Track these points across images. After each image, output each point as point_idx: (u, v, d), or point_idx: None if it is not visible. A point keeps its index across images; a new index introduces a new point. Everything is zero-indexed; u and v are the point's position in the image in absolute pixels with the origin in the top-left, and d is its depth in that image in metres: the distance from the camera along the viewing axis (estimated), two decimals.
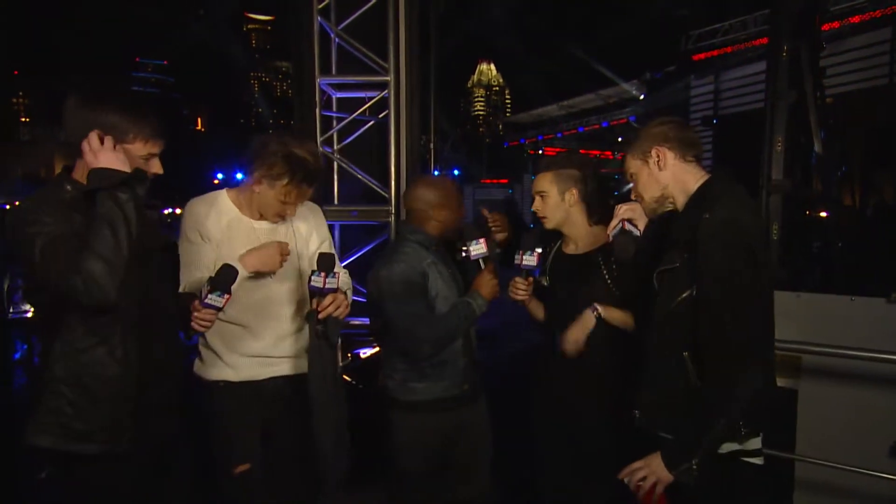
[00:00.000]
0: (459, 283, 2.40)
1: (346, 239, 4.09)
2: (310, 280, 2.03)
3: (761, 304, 1.67)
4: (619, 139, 22.40)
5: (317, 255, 2.09)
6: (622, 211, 2.09)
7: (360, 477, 2.62)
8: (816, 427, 2.62)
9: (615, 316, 2.17)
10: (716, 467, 1.66)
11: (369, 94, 3.88)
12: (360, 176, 3.86)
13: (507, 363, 5.73)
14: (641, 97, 19.90)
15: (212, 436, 2.22)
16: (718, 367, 1.62)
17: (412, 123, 3.73)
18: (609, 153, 24.73)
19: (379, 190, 3.82)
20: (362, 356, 4.05)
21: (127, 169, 1.68)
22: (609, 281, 2.23)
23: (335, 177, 4.07)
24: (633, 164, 1.86)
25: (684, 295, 1.69)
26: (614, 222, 2.09)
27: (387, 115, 3.73)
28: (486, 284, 2.31)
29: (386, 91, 3.71)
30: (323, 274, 2.02)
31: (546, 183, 2.31)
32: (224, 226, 2.18)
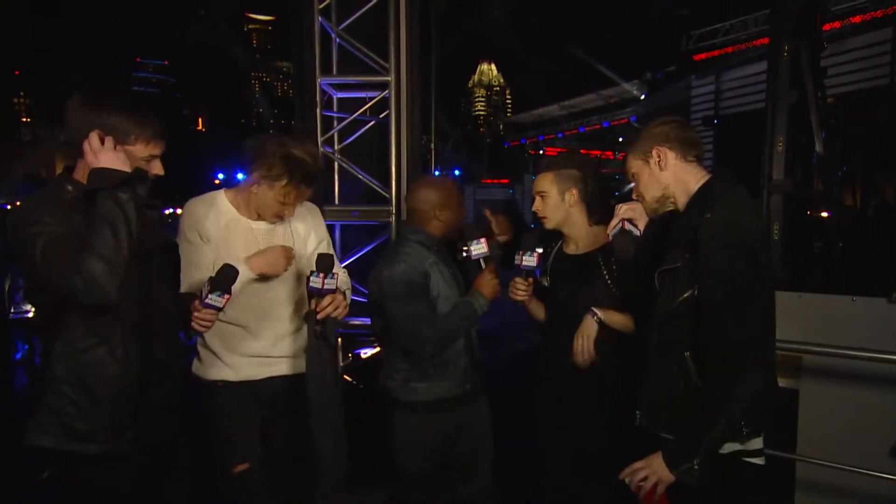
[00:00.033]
0: (461, 283, 2.40)
1: (347, 239, 4.09)
2: (308, 281, 2.04)
3: (762, 304, 1.67)
4: (620, 139, 22.41)
5: (315, 255, 2.10)
6: (622, 210, 2.08)
7: (360, 477, 2.62)
8: (817, 427, 2.62)
9: (615, 319, 2.17)
10: (717, 467, 1.66)
11: (370, 94, 3.88)
12: (360, 176, 3.86)
13: (508, 363, 5.73)
14: (642, 97, 19.88)
15: (211, 435, 2.22)
16: (719, 367, 1.61)
17: (413, 123, 3.73)
18: (610, 153, 24.72)
19: (380, 190, 3.82)
20: (363, 356, 4.06)
21: (127, 169, 1.68)
22: (609, 281, 2.23)
23: (336, 177, 4.07)
24: (635, 164, 1.86)
25: (685, 295, 1.69)
26: (614, 221, 2.09)
27: (387, 116, 3.73)
28: (488, 284, 2.31)
29: (387, 91, 3.71)
30: (322, 275, 2.03)
31: (546, 183, 2.31)
32: (222, 226, 2.18)
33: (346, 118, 3.95)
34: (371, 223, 3.97)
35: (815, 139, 3.90)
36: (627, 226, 2.07)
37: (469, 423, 2.43)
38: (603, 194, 2.36)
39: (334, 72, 3.93)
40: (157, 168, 1.83)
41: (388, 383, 2.39)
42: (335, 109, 4.08)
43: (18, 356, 5.67)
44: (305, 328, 2.14)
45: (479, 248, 2.29)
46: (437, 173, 6.97)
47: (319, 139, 3.77)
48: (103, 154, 1.66)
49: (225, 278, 1.90)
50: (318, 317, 2.07)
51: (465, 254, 2.33)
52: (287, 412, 2.24)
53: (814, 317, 2.61)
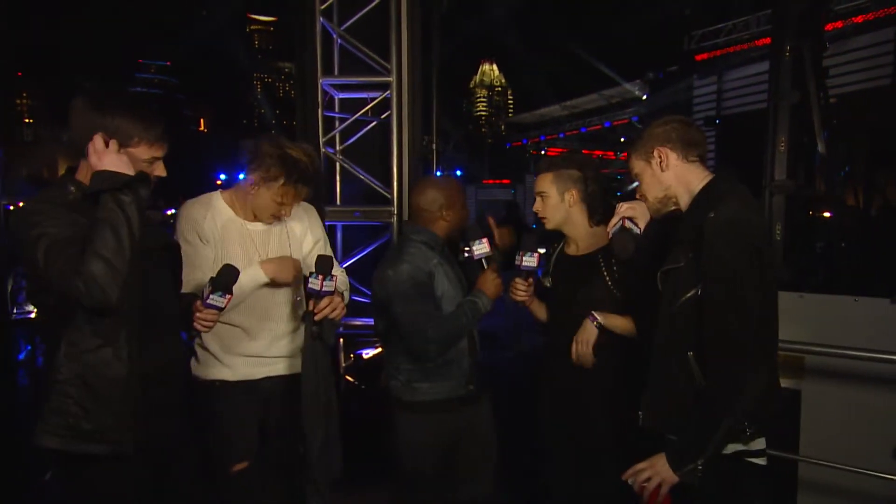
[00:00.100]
0: (464, 283, 2.40)
1: (349, 239, 4.10)
2: (307, 282, 2.05)
3: (765, 305, 1.67)
4: (622, 139, 22.35)
5: (314, 256, 2.11)
6: (623, 209, 2.08)
7: (360, 477, 2.62)
8: (820, 428, 2.61)
9: (616, 323, 2.17)
10: (720, 468, 1.66)
11: (372, 94, 3.88)
12: (362, 176, 3.86)
13: (510, 364, 5.73)
14: (644, 97, 19.84)
15: (210, 435, 2.23)
16: (722, 368, 1.61)
17: (414, 124, 3.74)
18: (612, 153, 24.67)
19: (381, 190, 3.82)
20: (364, 357, 4.06)
21: (130, 172, 1.69)
22: (610, 283, 2.23)
23: (337, 177, 4.08)
24: (637, 165, 1.86)
25: (689, 295, 1.68)
26: (614, 220, 2.09)
27: (389, 116, 3.74)
28: (491, 284, 2.32)
29: (388, 92, 3.71)
30: (321, 276, 2.04)
31: (546, 183, 2.31)
32: (219, 227, 2.20)
33: (348, 119, 3.96)
34: (373, 224, 3.97)
35: (818, 139, 3.88)
36: (628, 224, 2.07)
37: (472, 424, 2.43)
38: (604, 195, 2.36)
39: (336, 72, 3.94)
40: (159, 170, 1.83)
41: (391, 384, 2.39)
42: (337, 110, 4.09)
43: (21, 356, 5.68)
44: (303, 328, 2.15)
45: (481, 248, 2.30)
46: (438, 174, 6.97)
47: (321, 140, 3.77)
48: (107, 156, 1.67)
49: (226, 279, 1.90)
50: (316, 318, 2.08)
51: (467, 254, 2.33)
52: (285, 412, 2.25)
53: (816, 317, 2.61)
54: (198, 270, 2.12)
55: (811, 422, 2.64)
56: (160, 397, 1.85)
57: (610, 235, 2.11)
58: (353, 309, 3.74)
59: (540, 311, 2.46)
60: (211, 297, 1.89)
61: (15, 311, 6.31)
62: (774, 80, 3.60)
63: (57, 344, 1.71)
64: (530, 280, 2.34)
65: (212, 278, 1.92)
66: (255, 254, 2.23)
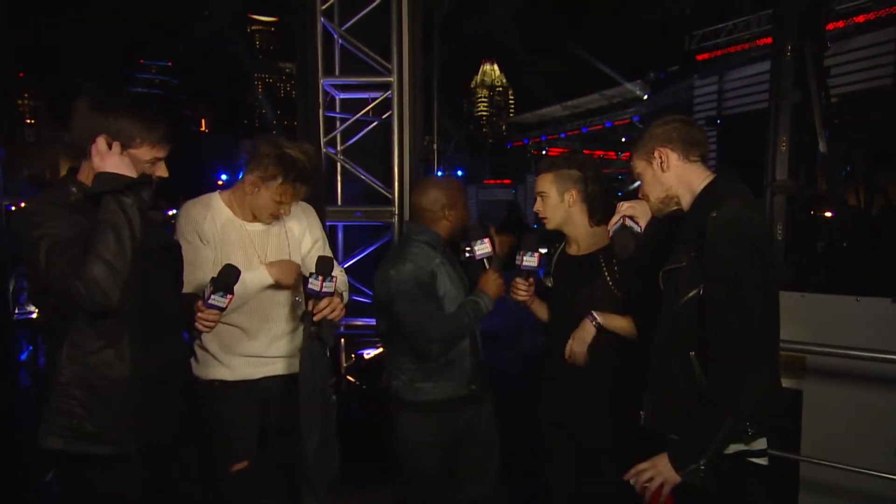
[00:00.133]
0: (466, 283, 2.41)
1: (350, 239, 4.10)
2: (307, 282, 2.05)
3: (766, 305, 1.67)
4: (623, 139, 22.32)
5: (314, 256, 2.12)
6: (624, 208, 2.08)
7: (360, 477, 2.62)
8: (821, 428, 2.61)
9: (616, 324, 2.17)
10: (721, 468, 1.66)
11: (373, 94, 3.89)
12: (363, 177, 3.86)
13: (511, 363, 5.73)
14: (645, 97, 19.83)
15: (209, 435, 2.23)
16: (723, 367, 1.61)
17: (415, 124, 3.74)
18: (612, 153, 24.65)
19: (382, 191, 3.83)
20: (365, 357, 4.06)
21: (133, 174, 1.69)
22: (610, 283, 2.23)
23: (338, 178, 4.08)
24: (639, 165, 1.86)
25: (690, 294, 1.68)
26: (615, 218, 2.09)
27: (390, 116, 3.74)
28: (492, 283, 2.32)
29: (389, 92, 3.71)
30: (321, 277, 2.04)
31: (546, 184, 2.31)
32: (219, 228, 2.20)
33: (349, 119, 3.96)
34: (374, 224, 3.98)
35: (819, 139, 3.88)
36: (628, 222, 2.07)
37: (474, 424, 2.43)
38: (604, 195, 2.36)
39: (337, 73, 3.94)
40: (161, 170, 1.83)
41: (393, 383, 2.39)
42: (338, 110, 4.09)
43: (23, 357, 5.68)
44: (301, 328, 2.15)
45: (482, 247, 2.30)
46: (439, 174, 6.97)
47: (322, 140, 3.78)
48: (110, 158, 1.67)
49: (227, 279, 1.90)
50: (315, 318, 2.08)
51: (468, 254, 2.33)
52: (284, 411, 2.25)
53: (818, 317, 2.61)
54: (199, 271, 2.13)
55: (812, 422, 2.64)
56: (161, 397, 1.85)
57: (611, 234, 2.12)
58: (354, 309, 3.75)
59: (541, 311, 2.46)
60: (212, 297, 1.89)
61: (16, 311, 6.31)
62: (775, 80, 3.60)
63: (59, 345, 1.71)
64: (531, 280, 2.34)
65: (213, 278, 1.92)
66: (254, 254, 2.23)
